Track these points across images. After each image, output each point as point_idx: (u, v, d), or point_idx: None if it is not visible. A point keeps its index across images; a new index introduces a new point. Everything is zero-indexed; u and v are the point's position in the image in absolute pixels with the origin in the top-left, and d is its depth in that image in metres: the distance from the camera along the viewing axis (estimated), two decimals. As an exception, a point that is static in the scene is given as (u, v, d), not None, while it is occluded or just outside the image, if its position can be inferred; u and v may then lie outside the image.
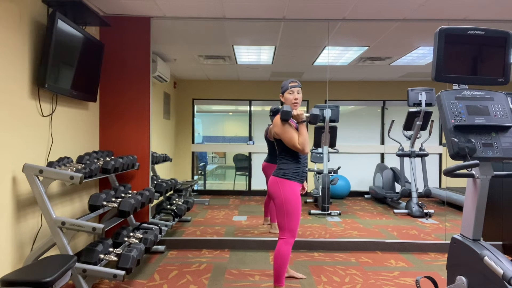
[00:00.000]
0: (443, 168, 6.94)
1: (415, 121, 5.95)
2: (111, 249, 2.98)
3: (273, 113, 4.47)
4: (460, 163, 1.91)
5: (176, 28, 4.49)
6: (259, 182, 7.81)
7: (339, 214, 5.87)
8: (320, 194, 6.01)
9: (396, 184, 6.79)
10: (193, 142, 7.92)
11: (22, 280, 2.12)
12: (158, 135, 6.30)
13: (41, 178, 2.71)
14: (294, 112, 2.83)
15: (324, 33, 4.55)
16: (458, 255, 2.10)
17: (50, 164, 2.88)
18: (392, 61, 5.92)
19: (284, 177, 2.84)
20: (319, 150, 6.52)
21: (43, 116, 3.09)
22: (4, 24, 2.61)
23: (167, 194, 5.12)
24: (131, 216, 4.04)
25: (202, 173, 8.52)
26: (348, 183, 7.23)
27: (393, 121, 6.58)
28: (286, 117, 2.78)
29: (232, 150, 8.48)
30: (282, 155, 2.91)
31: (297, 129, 2.84)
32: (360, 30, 4.54)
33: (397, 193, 6.42)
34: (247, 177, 7.96)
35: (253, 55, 5.71)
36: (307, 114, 2.87)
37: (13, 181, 2.69)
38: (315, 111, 2.87)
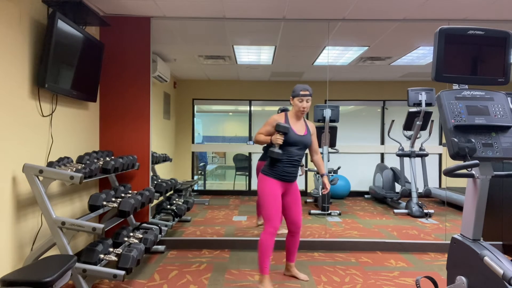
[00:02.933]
0: (443, 168, 6.94)
1: (415, 121, 5.95)
2: (111, 249, 2.98)
3: (281, 111, 4.51)
4: (460, 163, 1.91)
5: (176, 28, 4.49)
6: (259, 182, 7.79)
7: (339, 214, 5.87)
8: (320, 194, 6.01)
9: (396, 184, 6.79)
10: (193, 142, 7.92)
11: (22, 280, 2.12)
12: (158, 135, 6.30)
13: (41, 178, 2.71)
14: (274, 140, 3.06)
15: (324, 33, 4.55)
16: (458, 255, 2.10)
17: (50, 164, 2.88)
18: (392, 61, 5.92)
19: (264, 173, 3.12)
20: (319, 150, 6.51)
21: (43, 116, 3.10)
22: (4, 24, 2.61)
23: (167, 194, 5.12)
24: (131, 216, 4.04)
25: (202, 173, 8.52)
26: (348, 183, 7.23)
27: (393, 121, 6.58)
28: (280, 130, 3.04)
29: (232, 150, 8.48)
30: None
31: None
32: (360, 30, 4.54)
33: (397, 193, 6.41)
34: (247, 177, 7.96)
35: (253, 55, 5.71)
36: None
37: (13, 181, 2.69)
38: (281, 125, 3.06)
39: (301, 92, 3.09)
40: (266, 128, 3.13)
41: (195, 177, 8.00)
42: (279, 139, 3.02)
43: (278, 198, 3.05)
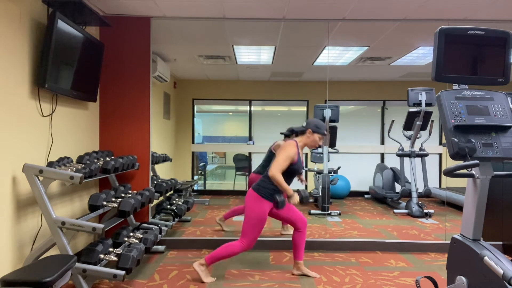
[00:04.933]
0: (443, 168, 6.94)
1: (415, 121, 5.95)
2: (111, 249, 2.98)
3: (291, 131, 3.99)
4: (460, 163, 1.91)
5: (176, 28, 4.49)
6: (259, 182, 7.78)
7: (339, 214, 5.87)
8: (320, 194, 6.01)
9: (396, 184, 6.79)
10: (193, 142, 7.92)
11: (22, 280, 2.12)
12: (158, 135, 6.30)
13: (41, 178, 2.71)
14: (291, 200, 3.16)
15: (324, 33, 4.55)
16: (458, 255, 2.10)
17: (50, 164, 2.88)
18: (392, 61, 5.92)
19: (261, 194, 3.15)
20: (319, 150, 6.52)
21: (43, 116, 3.10)
22: (4, 24, 2.61)
23: (167, 194, 5.11)
24: (131, 216, 4.04)
25: (202, 173, 8.51)
26: (348, 183, 7.23)
27: (393, 121, 6.58)
28: (303, 201, 3.19)
29: (232, 150, 8.48)
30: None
31: (289, 173, 3.15)
32: (360, 30, 4.54)
33: (397, 193, 6.41)
34: (247, 177, 7.95)
35: (253, 55, 5.71)
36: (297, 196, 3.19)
37: (13, 181, 2.69)
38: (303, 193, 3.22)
39: (326, 132, 3.31)
40: (287, 163, 3.10)
41: (195, 177, 8.00)
42: (295, 200, 3.15)
43: (265, 223, 3.18)
